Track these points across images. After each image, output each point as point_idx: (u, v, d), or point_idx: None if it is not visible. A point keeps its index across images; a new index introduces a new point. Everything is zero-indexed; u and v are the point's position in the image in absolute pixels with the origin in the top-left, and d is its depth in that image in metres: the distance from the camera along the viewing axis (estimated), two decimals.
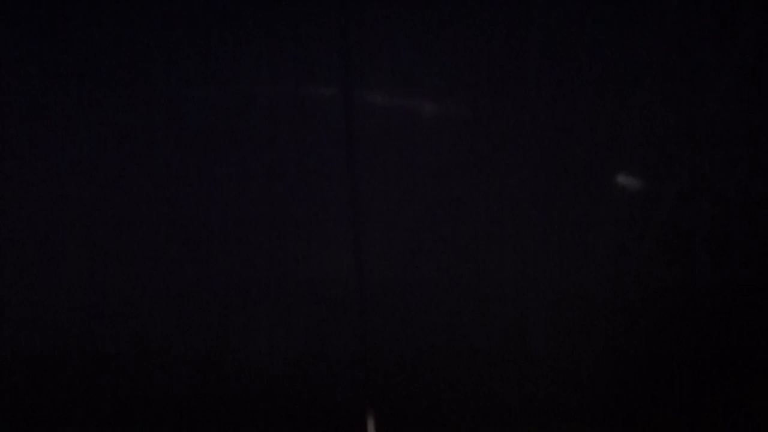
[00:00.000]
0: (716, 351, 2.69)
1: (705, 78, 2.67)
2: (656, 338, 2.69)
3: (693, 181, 2.67)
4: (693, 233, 2.67)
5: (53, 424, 2.66)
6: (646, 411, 2.70)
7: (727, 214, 2.67)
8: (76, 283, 2.66)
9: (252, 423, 2.69)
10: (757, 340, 2.68)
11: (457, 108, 2.70)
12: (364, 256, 2.70)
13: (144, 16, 2.67)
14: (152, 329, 2.67)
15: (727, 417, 2.69)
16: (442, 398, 2.70)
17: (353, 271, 2.70)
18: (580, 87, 2.68)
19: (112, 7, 2.67)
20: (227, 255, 2.68)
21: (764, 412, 2.68)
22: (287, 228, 2.69)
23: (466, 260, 2.69)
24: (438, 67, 2.69)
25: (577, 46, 2.67)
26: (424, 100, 2.71)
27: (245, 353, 2.68)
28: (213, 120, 2.68)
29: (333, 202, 2.69)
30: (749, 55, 2.67)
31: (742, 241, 2.67)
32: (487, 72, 2.69)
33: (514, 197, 2.69)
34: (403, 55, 2.69)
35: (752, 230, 2.67)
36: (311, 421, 2.69)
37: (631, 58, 2.67)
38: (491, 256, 2.69)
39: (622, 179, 2.69)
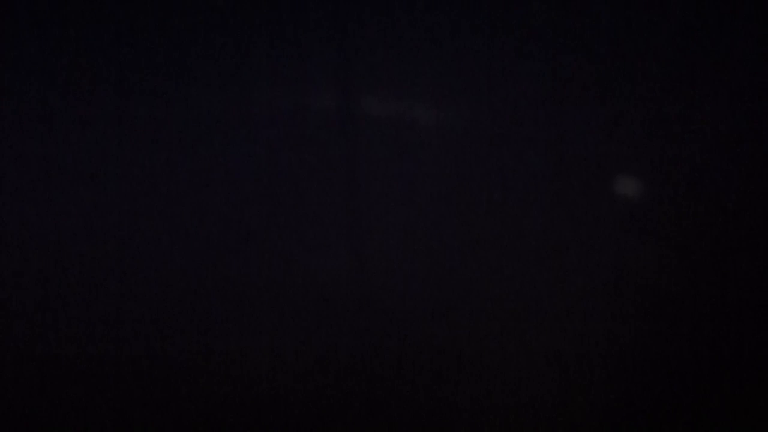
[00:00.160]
0: (716, 351, 2.68)
1: (706, 78, 2.67)
2: (656, 338, 2.69)
3: (693, 181, 2.67)
4: (693, 233, 2.67)
5: (53, 425, 2.66)
6: (647, 411, 2.69)
7: (727, 214, 2.67)
8: (77, 283, 2.66)
9: (252, 423, 2.68)
10: (758, 340, 2.68)
11: (457, 108, 2.70)
12: (364, 256, 2.70)
13: (145, 20, 2.67)
14: (152, 329, 2.67)
15: (727, 417, 2.69)
16: (443, 398, 2.70)
17: (353, 272, 2.70)
18: (580, 87, 2.68)
19: (113, 10, 2.67)
20: (228, 256, 2.68)
21: (764, 412, 2.68)
22: (287, 229, 2.69)
23: (467, 261, 2.69)
24: (437, 68, 2.69)
25: (577, 45, 2.67)
26: (424, 101, 2.70)
27: (245, 354, 2.68)
28: (213, 122, 2.68)
29: (333, 203, 2.69)
30: (750, 55, 2.67)
31: (742, 241, 2.67)
32: (487, 72, 2.68)
33: (513, 197, 2.69)
34: (402, 56, 2.69)
35: (752, 230, 2.67)
36: (311, 421, 2.69)
37: (631, 58, 2.67)
38: (491, 257, 2.69)
39: (623, 179, 2.69)
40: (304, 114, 2.69)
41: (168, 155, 2.67)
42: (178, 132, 2.68)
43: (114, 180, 2.67)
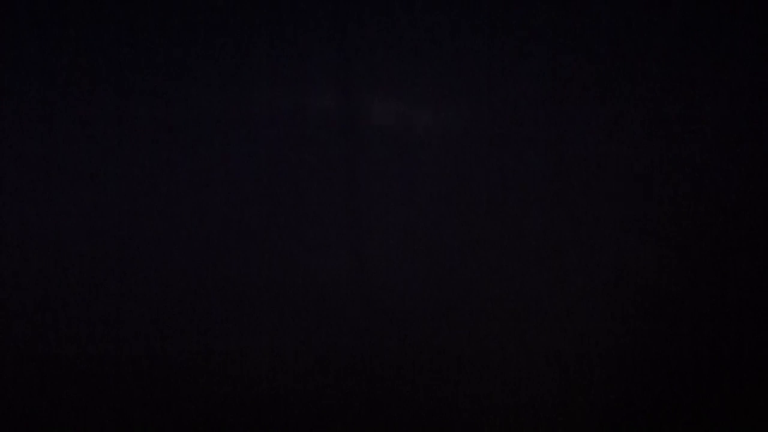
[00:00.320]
0: (716, 351, 2.68)
1: (706, 78, 2.67)
2: (656, 338, 2.69)
3: (693, 181, 2.67)
4: (693, 233, 2.67)
5: (53, 425, 2.66)
6: (647, 411, 2.69)
7: (727, 214, 2.67)
8: (77, 283, 2.66)
9: (252, 423, 2.68)
10: (758, 340, 2.68)
11: (457, 108, 2.70)
12: (364, 256, 2.70)
13: (145, 20, 2.67)
14: (152, 329, 2.67)
15: (727, 417, 2.69)
16: (443, 398, 2.70)
17: (353, 272, 2.70)
18: (580, 87, 2.68)
19: (113, 10, 2.67)
20: (228, 256, 2.68)
21: (764, 412, 2.68)
22: (287, 229, 2.69)
23: (467, 261, 2.69)
24: (437, 68, 2.69)
25: (577, 45, 2.67)
26: (424, 101, 2.70)
27: (245, 354, 2.68)
28: (213, 122, 2.68)
29: (333, 203, 2.69)
30: (750, 55, 2.67)
31: (742, 241, 2.67)
32: (487, 72, 2.68)
33: (513, 197, 2.69)
34: (402, 56, 2.69)
35: (752, 230, 2.67)
36: (311, 421, 2.69)
37: (631, 58, 2.67)
38: (491, 257, 2.69)
39: (623, 179, 2.69)
40: (304, 114, 2.69)
41: (168, 155, 2.67)
42: (178, 132, 2.67)
43: (114, 180, 2.66)
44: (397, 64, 2.69)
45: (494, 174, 2.69)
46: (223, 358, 2.67)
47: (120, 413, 2.66)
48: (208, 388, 2.67)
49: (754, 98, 2.66)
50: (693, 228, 2.67)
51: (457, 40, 2.68)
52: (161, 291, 2.67)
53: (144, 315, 2.67)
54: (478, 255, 2.69)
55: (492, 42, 2.68)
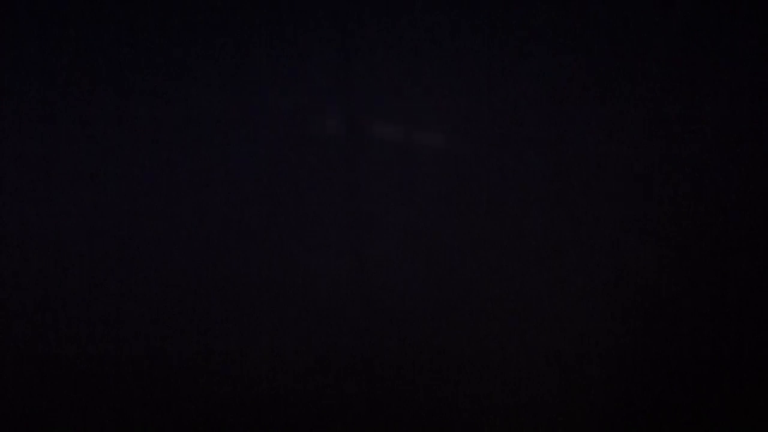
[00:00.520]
0: (716, 351, 2.68)
1: (706, 78, 2.67)
2: (656, 338, 2.69)
3: (693, 181, 2.67)
4: (693, 233, 2.67)
5: (53, 425, 2.66)
6: (647, 411, 2.70)
7: (727, 214, 2.67)
8: (77, 283, 2.66)
9: (252, 423, 2.68)
10: (758, 340, 2.68)
11: (457, 109, 2.70)
12: (365, 257, 2.70)
13: (145, 20, 2.67)
14: (152, 329, 2.67)
15: (727, 417, 2.69)
16: (443, 398, 2.70)
17: (353, 272, 2.70)
18: (580, 87, 2.68)
19: (113, 10, 2.67)
20: (228, 256, 2.68)
21: (764, 412, 2.68)
22: (287, 229, 2.69)
23: (467, 261, 2.69)
24: (437, 68, 2.69)
25: (577, 45, 2.67)
26: (424, 101, 2.70)
27: (245, 354, 2.68)
28: (213, 122, 2.68)
29: (333, 203, 2.69)
30: (750, 55, 2.67)
31: (742, 241, 2.67)
32: (487, 72, 2.68)
33: (513, 197, 2.69)
34: (402, 56, 2.69)
35: (752, 230, 2.67)
36: (311, 421, 2.69)
37: (631, 58, 2.67)
38: (492, 257, 2.69)
39: (623, 179, 2.69)
40: (304, 114, 2.69)
41: (168, 155, 2.67)
42: (178, 132, 2.68)
43: (114, 180, 2.67)
44: (397, 64, 2.69)
45: (494, 174, 2.69)
46: (223, 358, 2.67)
47: (120, 413, 2.66)
48: (208, 388, 2.67)
49: (754, 98, 2.66)
50: (693, 228, 2.67)
51: (457, 40, 2.68)
52: (161, 291, 2.67)
53: (144, 315, 2.66)
54: (478, 255, 2.69)
55: (492, 42, 2.68)
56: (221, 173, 2.68)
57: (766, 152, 2.66)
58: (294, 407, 2.68)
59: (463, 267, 2.69)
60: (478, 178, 2.69)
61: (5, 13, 2.65)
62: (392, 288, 2.69)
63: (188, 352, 2.67)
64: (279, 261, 2.68)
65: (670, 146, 2.67)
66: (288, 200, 2.69)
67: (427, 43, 2.68)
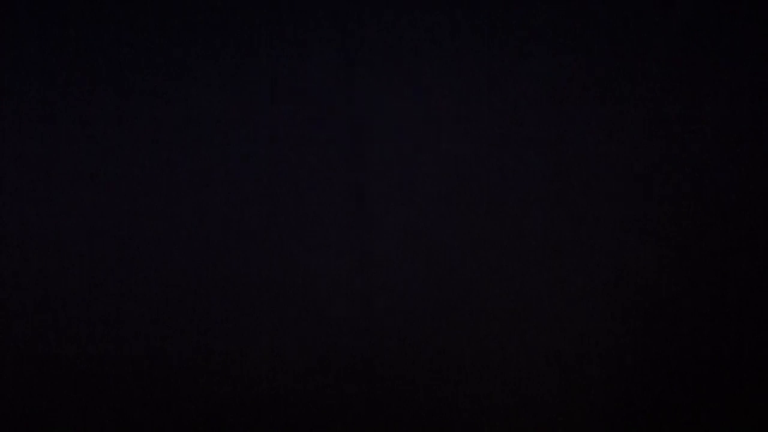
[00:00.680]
0: (716, 351, 2.68)
1: (706, 78, 2.67)
2: (656, 338, 2.69)
3: (693, 181, 2.67)
4: (693, 233, 2.67)
5: (53, 425, 2.66)
6: (647, 411, 2.70)
7: (727, 214, 2.67)
8: (77, 283, 2.66)
9: (252, 423, 2.68)
10: (758, 340, 2.68)
11: (457, 109, 2.70)
12: (365, 257, 2.70)
13: (145, 20, 2.67)
14: (152, 329, 2.67)
15: (727, 417, 2.69)
16: (443, 398, 2.70)
17: (354, 272, 2.70)
18: (580, 87, 2.68)
19: (113, 10, 2.67)
20: (228, 256, 2.68)
21: (764, 412, 2.68)
22: (287, 229, 2.69)
23: (467, 261, 2.69)
24: (437, 68, 2.69)
25: (577, 45, 2.67)
26: (424, 101, 2.70)
27: (245, 354, 2.68)
28: (213, 122, 2.68)
29: (333, 203, 2.69)
30: (750, 55, 2.67)
31: (742, 241, 2.67)
32: (487, 72, 2.68)
33: (513, 197, 2.69)
34: (403, 56, 2.69)
35: (752, 230, 2.67)
36: (311, 421, 2.69)
37: (631, 58, 2.67)
38: (492, 257, 2.69)
39: (623, 179, 2.69)
40: (304, 114, 2.69)
41: (168, 155, 2.67)
42: (178, 132, 2.68)
43: (114, 180, 2.67)
44: (397, 64, 2.69)
45: (494, 174, 2.69)
46: (223, 358, 2.67)
47: (120, 413, 2.66)
48: (208, 388, 2.67)
49: (754, 98, 2.66)
50: (693, 228, 2.67)
51: (457, 40, 2.68)
52: (161, 291, 2.67)
53: (144, 315, 2.66)
54: (479, 255, 2.69)
55: (492, 42, 2.68)
56: (221, 173, 2.68)
57: (766, 152, 2.66)
58: (294, 407, 2.68)
59: (464, 267, 2.69)
60: (478, 178, 2.69)
61: (5, 13, 2.65)
62: (392, 288, 2.69)
63: (188, 352, 2.67)
64: (279, 261, 2.68)
65: (670, 146, 2.67)
66: (288, 200, 2.69)
67: (428, 43, 2.68)
